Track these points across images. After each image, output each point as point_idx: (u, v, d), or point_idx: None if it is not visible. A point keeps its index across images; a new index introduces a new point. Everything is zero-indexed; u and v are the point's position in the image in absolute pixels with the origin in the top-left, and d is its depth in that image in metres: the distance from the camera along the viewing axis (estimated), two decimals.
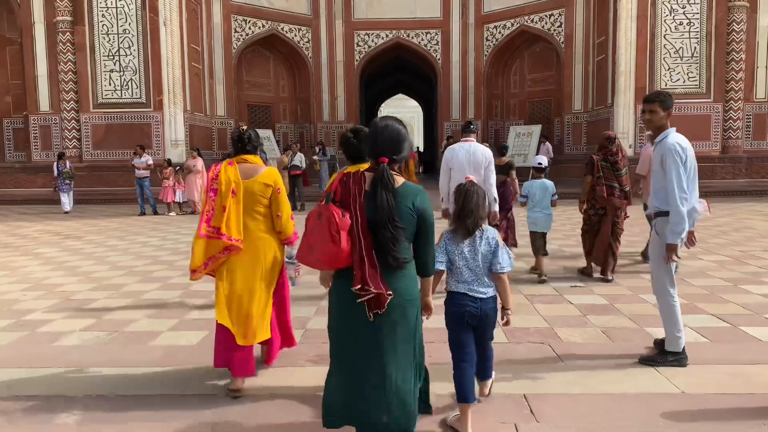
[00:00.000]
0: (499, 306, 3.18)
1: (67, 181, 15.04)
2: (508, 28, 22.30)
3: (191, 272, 3.67)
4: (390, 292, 2.46)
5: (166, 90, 17.52)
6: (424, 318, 2.81)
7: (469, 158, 5.69)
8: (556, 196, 6.67)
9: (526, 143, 20.71)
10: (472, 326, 3.09)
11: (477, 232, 3.08)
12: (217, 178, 3.60)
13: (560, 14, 20.82)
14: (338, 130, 23.81)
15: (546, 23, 21.24)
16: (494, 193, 5.88)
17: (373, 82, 33.29)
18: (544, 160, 6.89)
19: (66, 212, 15.01)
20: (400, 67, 31.98)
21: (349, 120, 23.91)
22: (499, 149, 8.26)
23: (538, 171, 6.79)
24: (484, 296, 3.06)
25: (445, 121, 23.81)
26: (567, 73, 20.77)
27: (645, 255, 7.43)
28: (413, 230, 2.53)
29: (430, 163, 30.09)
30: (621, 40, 17.28)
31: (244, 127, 3.84)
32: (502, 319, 3.19)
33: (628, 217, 6.89)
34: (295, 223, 3.79)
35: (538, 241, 6.68)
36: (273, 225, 3.68)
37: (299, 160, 14.69)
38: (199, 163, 14.27)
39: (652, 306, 5.29)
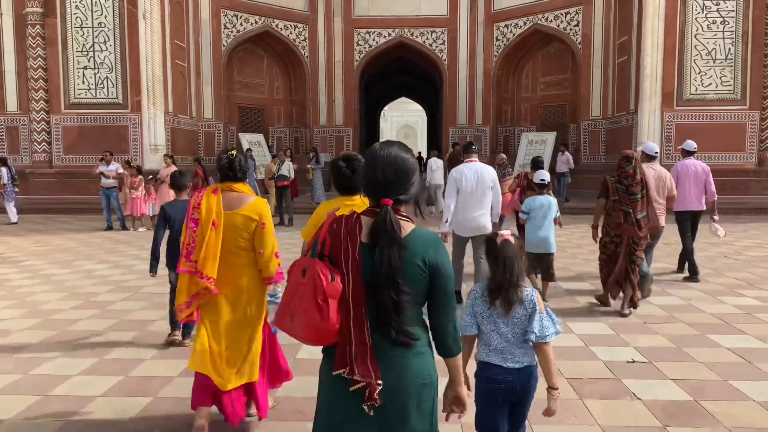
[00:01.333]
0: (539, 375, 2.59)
1: (16, 189, 13.62)
2: (520, 27, 20.66)
3: (177, 311, 3.45)
4: (380, 382, 1.86)
5: (145, 89, 15.92)
6: (457, 416, 2.18)
7: (478, 179, 5.82)
8: (559, 214, 6.43)
9: (539, 151, 19.03)
10: (508, 403, 2.60)
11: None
12: (199, 207, 3.30)
13: (577, 12, 19.18)
14: (336, 135, 22.24)
15: (562, 22, 19.59)
16: (499, 209, 6.10)
17: (375, 85, 31.76)
18: (546, 176, 6.53)
19: (13, 223, 13.58)
20: (403, 69, 30.48)
21: (348, 124, 22.31)
22: (535, 164, 7.96)
23: (540, 187, 6.46)
24: (522, 365, 2.56)
25: (451, 126, 22.17)
26: (584, 76, 19.11)
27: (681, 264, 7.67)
28: (425, 291, 1.92)
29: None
30: (647, 41, 15.62)
31: (233, 152, 3.44)
32: (547, 402, 2.57)
33: (648, 242, 6.24)
34: (280, 261, 3.41)
35: (538, 263, 6.26)
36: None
37: (287, 169, 13.08)
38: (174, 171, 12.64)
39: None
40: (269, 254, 3.32)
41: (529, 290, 2.55)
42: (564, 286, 7.16)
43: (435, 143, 28.39)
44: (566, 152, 16.68)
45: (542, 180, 6.47)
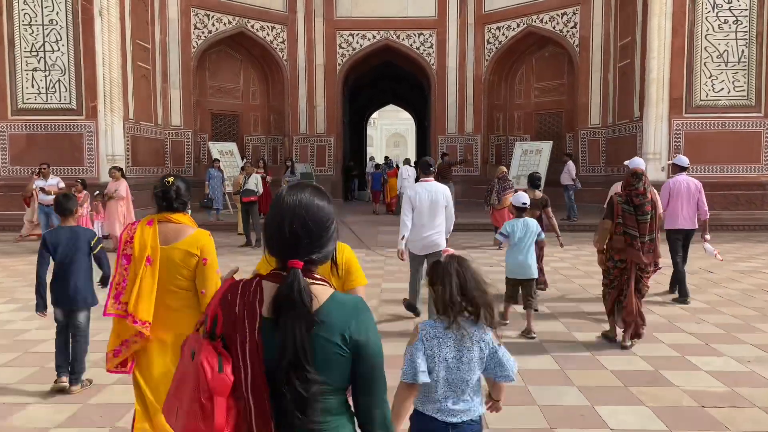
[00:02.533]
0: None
1: None
2: (513, 29, 19.33)
3: (106, 360, 3.04)
4: None
5: (102, 94, 14.38)
6: None
7: (432, 199, 5.92)
8: (543, 236, 6.31)
9: (534, 162, 17.66)
10: None
11: (470, 331, 2.25)
12: (131, 241, 2.97)
13: (575, 13, 17.87)
14: (317, 144, 20.78)
15: (558, 23, 18.27)
16: (451, 228, 6.13)
17: (360, 90, 30.44)
18: (527, 200, 6.29)
19: None
20: (389, 75, 29.15)
21: (330, 132, 20.86)
22: (532, 181, 7.75)
23: (520, 211, 6.22)
24: (465, 419, 2.27)
25: (440, 135, 20.77)
26: (582, 82, 17.79)
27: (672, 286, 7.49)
28: (347, 375, 1.50)
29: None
30: (652, 42, 14.29)
31: (170, 180, 3.02)
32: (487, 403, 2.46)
33: (658, 269, 6.08)
34: None
35: (517, 289, 6.04)
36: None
37: (254, 182, 11.57)
38: (123, 186, 11.12)
39: None
40: (212, 294, 2.74)
41: (482, 332, 2.29)
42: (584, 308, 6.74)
43: (424, 152, 26.97)
44: (569, 162, 15.22)
45: (523, 204, 6.22)
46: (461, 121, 20.58)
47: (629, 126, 15.63)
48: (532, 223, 6.12)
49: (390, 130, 74.17)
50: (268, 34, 19.64)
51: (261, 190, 11.69)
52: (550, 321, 6.44)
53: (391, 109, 72.71)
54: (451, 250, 2.46)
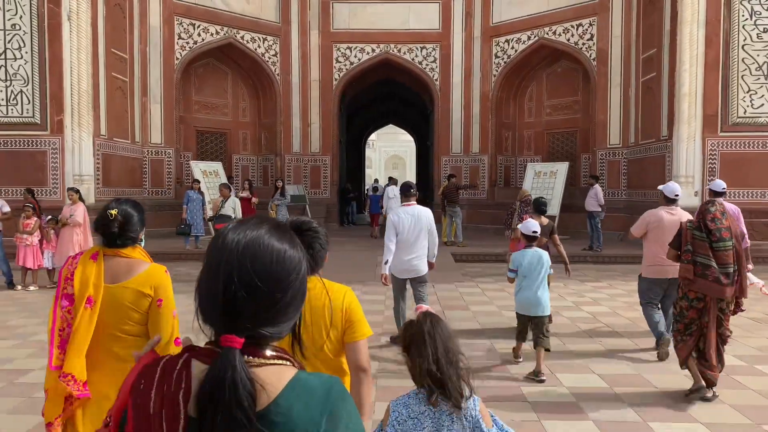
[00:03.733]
0: None
1: None
2: (523, 42, 17.94)
3: (46, 426, 2.47)
4: None
5: (69, 107, 12.86)
6: None
7: (414, 223, 5.86)
8: (552, 271, 5.72)
9: (549, 185, 16.14)
10: None
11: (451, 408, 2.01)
12: (72, 278, 2.47)
13: (591, 24, 16.48)
14: (312, 164, 19.26)
15: (572, 35, 16.88)
16: (436, 250, 6.10)
17: (359, 110, 29.13)
18: (537, 228, 5.72)
19: None
20: (390, 94, 27.84)
21: (325, 152, 19.35)
22: (537, 207, 7.16)
23: (530, 240, 5.67)
24: None
25: (444, 156, 19.26)
26: (600, 98, 16.33)
27: None
28: None
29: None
30: (683, 53, 12.85)
31: (113, 212, 2.48)
32: None
33: (741, 310, 5.19)
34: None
35: (527, 326, 5.51)
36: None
37: (231, 207, 10.00)
38: (80, 210, 9.50)
39: None
40: (168, 340, 2.43)
41: (469, 402, 2.04)
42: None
43: (426, 174, 25.50)
44: (596, 186, 13.59)
45: (534, 232, 5.71)
46: (467, 141, 19.10)
47: (655, 146, 14.12)
48: (543, 254, 5.63)
49: (389, 152, 74.30)
50: (259, 47, 18.22)
51: (239, 215, 10.10)
52: (582, 372, 5.51)
53: (390, 131, 72.62)
54: (425, 307, 2.23)
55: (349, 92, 21.28)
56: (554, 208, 15.62)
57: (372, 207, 19.14)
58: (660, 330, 5.80)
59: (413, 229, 5.86)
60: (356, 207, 21.01)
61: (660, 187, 6.26)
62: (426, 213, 5.98)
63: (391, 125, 65.28)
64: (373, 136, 75.19)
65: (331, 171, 19.42)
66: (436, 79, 19.14)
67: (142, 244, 2.77)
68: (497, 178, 18.98)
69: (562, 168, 16.20)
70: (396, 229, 5.87)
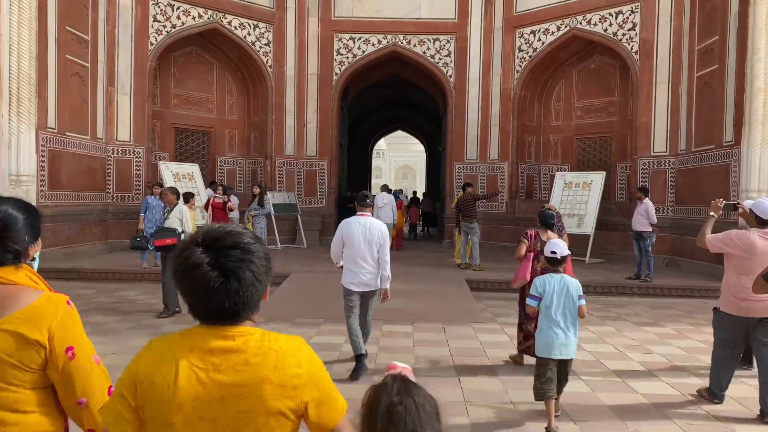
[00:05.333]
0: None
1: None
2: (552, 33, 15.57)
3: None
4: None
5: (6, 93, 10.60)
6: None
7: (365, 235, 5.51)
8: (584, 301, 4.41)
9: (581, 198, 13.70)
10: None
11: None
12: None
13: (633, 11, 14.08)
14: (307, 169, 16.95)
15: (611, 25, 14.47)
16: (389, 271, 5.61)
17: (364, 116, 27.00)
18: (561, 248, 4.50)
19: None
20: (396, 97, 25.72)
21: (323, 155, 17.03)
22: (543, 220, 5.74)
23: (553, 263, 4.50)
24: None
25: (457, 162, 16.89)
26: (644, 97, 13.89)
27: None
28: None
29: (430, 215, 23.00)
30: (758, 40, 10.41)
31: None
32: None
33: None
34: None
35: (553, 372, 4.29)
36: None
37: (177, 218, 7.68)
38: None
39: None
40: (97, 403, 1.68)
41: None
42: None
43: (436, 183, 23.15)
44: (646, 200, 11.05)
45: (553, 252, 4.47)
46: (484, 146, 16.71)
47: (715, 153, 11.66)
48: (571, 281, 4.45)
49: (399, 162, 74.47)
50: (249, 34, 15.96)
51: (190, 230, 7.74)
52: None
53: (400, 141, 71.58)
54: (399, 367, 1.55)
55: (352, 90, 19.01)
56: (588, 226, 13.20)
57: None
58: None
59: (363, 240, 5.49)
60: None
61: (748, 203, 5.07)
62: (379, 226, 5.61)
63: (400, 133, 63.35)
64: (383, 146, 74.50)
65: (329, 177, 17.09)
66: (450, 76, 16.80)
67: (35, 264, 2.17)
68: (518, 189, 16.55)
69: (597, 178, 13.75)
70: (344, 238, 5.57)
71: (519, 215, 16.09)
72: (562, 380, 4.44)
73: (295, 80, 16.72)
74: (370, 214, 5.70)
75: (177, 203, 7.79)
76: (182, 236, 7.59)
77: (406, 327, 7.46)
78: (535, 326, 5.44)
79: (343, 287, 5.66)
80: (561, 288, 4.39)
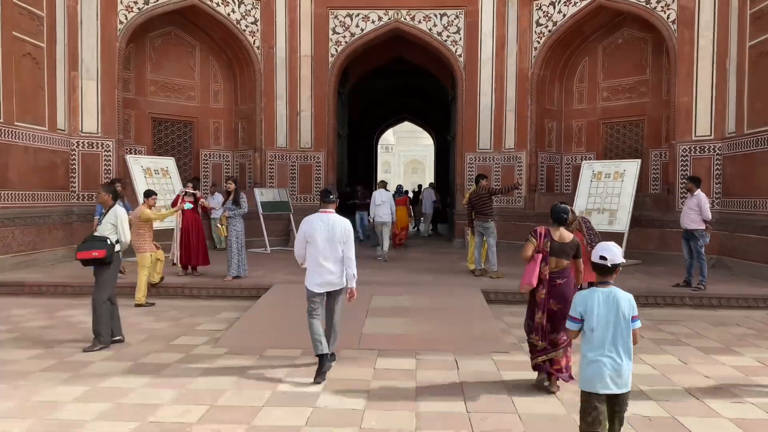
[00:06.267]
0: None
1: None
2: (574, 4, 13.74)
3: None
4: None
5: None
6: None
7: (328, 232, 5.32)
8: (639, 323, 3.41)
9: (612, 190, 11.91)
10: None
11: None
12: None
13: None
14: (301, 162, 15.27)
15: None
16: (354, 269, 5.39)
17: (368, 106, 25.34)
18: (613, 253, 3.45)
19: None
20: (405, 88, 24.09)
21: (319, 147, 15.32)
22: (555, 215, 4.91)
23: (603, 272, 3.46)
24: None
25: (469, 152, 15.12)
26: (683, 74, 12.05)
27: None
28: None
29: (439, 211, 21.16)
30: None
31: None
32: None
33: None
34: None
35: (602, 411, 3.37)
36: None
37: (110, 224, 6.00)
38: None
39: None
40: None
41: None
42: None
43: (445, 176, 21.39)
44: (698, 193, 9.14)
45: (602, 258, 3.45)
46: (498, 133, 14.92)
47: None
48: (626, 296, 3.38)
49: (408, 156, 72.68)
50: (233, 11, 14.24)
51: (126, 239, 6.04)
52: None
53: (409, 135, 70.48)
54: None
55: (352, 74, 17.27)
56: (621, 222, 11.41)
57: None
58: None
59: (327, 239, 5.29)
60: (363, 217, 16.47)
61: None
62: (343, 223, 5.41)
63: (409, 127, 61.73)
64: (391, 140, 73.34)
65: (326, 171, 15.37)
66: (460, 55, 15.01)
67: None
68: (538, 182, 14.76)
69: (631, 167, 11.93)
70: (306, 237, 5.35)
71: (539, 210, 14.30)
72: (615, 421, 3.46)
73: (287, 63, 15.00)
74: (333, 210, 5.46)
75: (113, 205, 6.09)
76: (116, 247, 5.91)
77: (407, 361, 5.74)
78: (543, 339, 4.83)
79: (306, 289, 5.38)
80: (609, 305, 3.40)
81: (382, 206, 12.49)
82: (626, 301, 3.40)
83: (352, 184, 16.81)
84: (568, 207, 5.08)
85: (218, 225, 9.27)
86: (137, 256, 8.29)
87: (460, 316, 7.34)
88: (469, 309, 7.63)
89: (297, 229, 13.82)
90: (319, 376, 5.11)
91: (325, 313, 5.46)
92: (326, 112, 15.27)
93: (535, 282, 4.79)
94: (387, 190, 13.40)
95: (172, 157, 12.96)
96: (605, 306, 3.39)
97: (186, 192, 9.67)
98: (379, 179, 16.46)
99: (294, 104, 15.13)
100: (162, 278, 8.81)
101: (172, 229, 9.70)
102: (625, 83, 14.10)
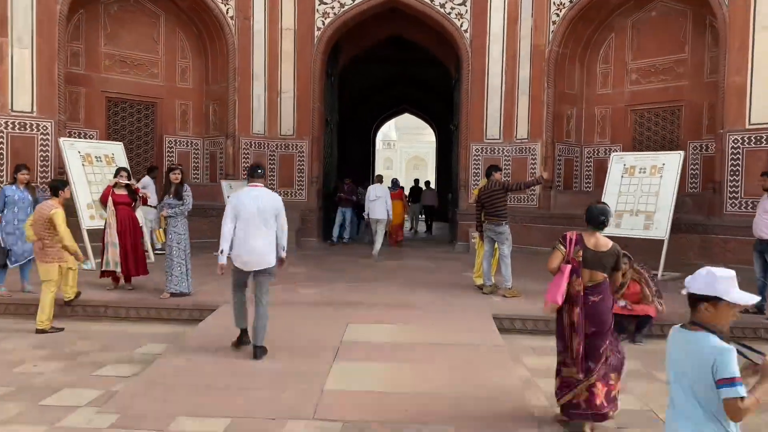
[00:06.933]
0: None
1: None
2: None
3: None
4: None
5: None
6: None
7: (258, 207, 5.22)
8: (736, 391, 2.14)
9: (649, 188, 9.86)
10: None
11: None
12: None
13: None
14: (282, 151, 13.29)
15: None
16: (284, 242, 5.41)
17: (364, 97, 23.46)
18: (698, 282, 2.31)
19: None
20: (401, 74, 22.22)
21: (302, 135, 13.31)
22: (593, 218, 4.15)
23: (691, 305, 2.35)
24: None
25: (475, 142, 13.09)
26: (734, 50, 9.99)
27: None
28: None
29: (434, 209, 19.08)
30: None
31: None
32: None
33: None
34: None
35: None
36: None
37: None
38: None
39: None
40: None
41: None
42: None
43: (447, 172, 19.37)
44: None
45: (687, 289, 2.38)
46: (509, 121, 12.88)
47: None
48: (711, 346, 2.23)
49: (410, 153, 71.40)
50: None
51: None
52: None
53: (411, 132, 69.31)
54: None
55: (344, 54, 15.23)
56: (660, 226, 9.39)
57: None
58: None
59: (257, 214, 5.19)
60: (347, 215, 14.30)
61: None
62: (272, 197, 5.38)
63: (411, 122, 59.70)
64: (393, 136, 71.97)
65: (310, 162, 13.35)
66: (466, 30, 12.97)
67: None
68: (554, 177, 12.72)
69: (672, 161, 9.85)
70: (234, 211, 5.24)
71: (556, 211, 12.31)
72: None
73: (265, 37, 12.97)
74: (262, 185, 5.42)
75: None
76: None
77: None
78: (581, 370, 4.00)
79: (234, 267, 5.29)
80: (687, 355, 2.33)
81: (377, 202, 11.33)
82: (711, 352, 2.22)
83: (341, 179, 14.67)
84: (608, 208, 4.22)
85: (154, 227, 7.08)
86: (39, 269, 6.28)
87: (466, 357, 5.31)
88: (478, 347, 5.61)
89: None
90: (239, 341, 5.41)
91: (255, 300, 5.26)
92: (311, 95, 13.24)
93: (561, 300, 4.04)
94: (381, 183, 11.77)
95: (120, 142, 10.88)
96: (680, 354, 2.38)
97: (117, 183, 7.61)
98: (376, 173, 14.43)
99: (274, 84, 13.11)
100: (78, 293, 6.79)
101: (101, 229, 7.65)
102: (659, 64, 12.04)
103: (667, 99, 11.96)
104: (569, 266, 4.05)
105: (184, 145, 13.21)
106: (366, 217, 11.82)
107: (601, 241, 4.10)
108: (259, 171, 5.45)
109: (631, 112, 12.54)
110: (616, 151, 12.04)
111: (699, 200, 10.80)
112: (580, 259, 4.05)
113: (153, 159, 12.68)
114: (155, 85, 12.83)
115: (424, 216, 19.31)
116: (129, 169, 8.67)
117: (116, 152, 10.29)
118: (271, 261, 5.27)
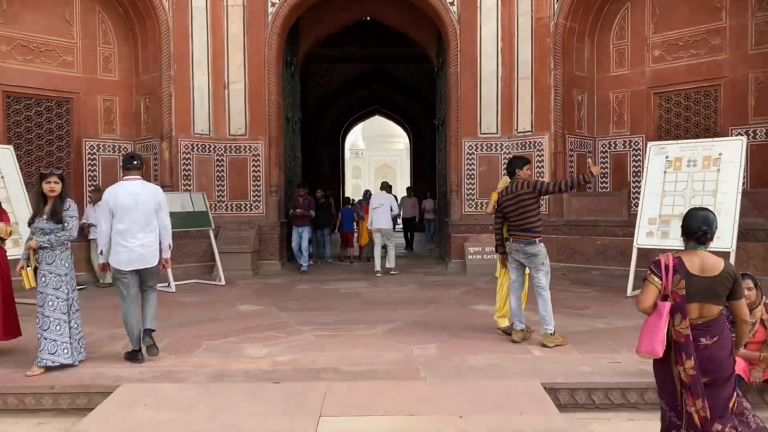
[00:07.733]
0: None
1: None
2: None
3: None
4: None
5: None
6: None
7: (136, 200, 4.80)
8: None
9: (703, 185, 7.67)
10: None
11: None
12: None
13: None
14: (231, 155, 10.83)
15: None
16: (170, 239, 5.04)
17: (332, 98, 21.37)
18: None
19: None
20: (372, 72, 20.33)
21: (256, 135, 10.88)
22: (694, 228, 3.10)
23: None
24: None
25: (467, 138, 10.82)
26: None
27: None
28: None
29: (413, 221, 16.48)
30: None
31: None
32: None
33: None
34: None
35: None
36: None
37: None
38: None
39: None
40: None
41: None
42: None
43: (430, 177, 17.14)
44: None
45: None
46: (508, 111, 10.67)
47: None
48: None
49: (378, 161, 70.67)
50: None
51: None
52: None
53: (380, 139, 68.35)
54: None
55: (306, 39, 12.88)
56: (724, 235, 7.16)
57: (344, 224, 12.73)
58: None
59: (136, 209, 4.79)
60: (303, 235, 11.32)
61: None
62: (153, 189, 4.98)
63: (379, 129, 57.83)
64: (361, 144, 70.59)
65: (267, 168, 10.91)
66: (452, 3, 10.75)
67: None
68: (566, 175, 10.47)
69: (731, 149, 7.64)
70: (110, 206, 4.81)
71: (569, 218, 10.11)
72: None
73: (208, 16, 10.55)
74: (139, 177, 4.97)
75: None
76: None
77: None
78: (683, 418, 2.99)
79: (114, 269, 4.87)
80: None
81: (380, 209, 10.32)
82: None
83: (303, 187, 11.82)
84: (712, 215, 3.10)
85: (22, 263, 4.53)
86: None
87: None
88: None
89: (219, 252, 9.38)
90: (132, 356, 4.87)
91: (142, 302, 4.90)
92: (266, 85, 10.83)
93: (661, 350, 2.98)
94: (388, 192, 11.00)
95: (9, 147, 8.24)
96: None
97: None
98: (381, 181, 11.88)
99: (219, 74, 10.67)
100: None
101: None
102: (688, 35, 9.93)
103: (700, 77, 9.84)
104: (668, 303, 3.06)
105: (109, 151, 10.63)
106: (369, 227, 10.80)
107: (708, 261, 3.04)
108: (135, 162, 4.92)
109: (655, 95, 10.40)
110: (638, 143, 9.90)
111: (758, 199, 8.66)
112: (683, 292, 3.02)
113: (72, 167, 10.10)
114: (70, 77, 10.23)
115: (402, 230, 16.63)
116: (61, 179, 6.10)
117: (7, 157, 7.67)
118: (153, 261, 4.89)
